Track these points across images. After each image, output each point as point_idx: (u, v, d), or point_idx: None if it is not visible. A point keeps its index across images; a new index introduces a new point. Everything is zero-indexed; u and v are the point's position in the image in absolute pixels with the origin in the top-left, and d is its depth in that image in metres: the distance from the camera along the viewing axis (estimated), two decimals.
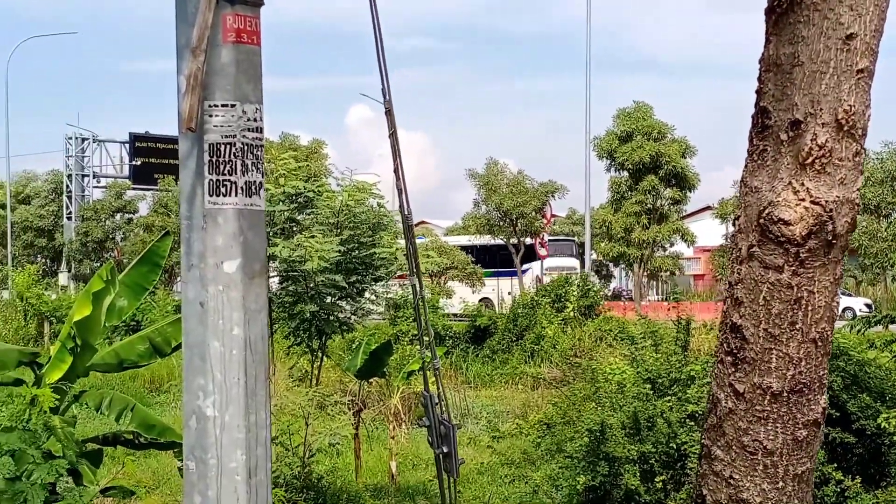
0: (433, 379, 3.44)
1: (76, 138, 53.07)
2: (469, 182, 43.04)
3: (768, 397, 3.49)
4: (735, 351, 3.57)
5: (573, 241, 48.04)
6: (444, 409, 3.48)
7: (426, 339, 3.40)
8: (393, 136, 2.99)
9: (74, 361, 6.67)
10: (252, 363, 2.41)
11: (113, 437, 7.06)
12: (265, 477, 2.42)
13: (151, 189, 50.44)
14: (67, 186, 52.00)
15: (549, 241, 43.01)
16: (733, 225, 3.70)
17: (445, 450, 3.47)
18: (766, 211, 3.40)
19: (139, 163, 52.91)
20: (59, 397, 6.13)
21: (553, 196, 42.90)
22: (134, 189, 52.01)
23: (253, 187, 2.43)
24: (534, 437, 7.78)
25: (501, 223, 42.45)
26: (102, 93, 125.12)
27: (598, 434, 6.68)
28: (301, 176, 12.41)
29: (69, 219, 51.39)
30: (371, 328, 18.98)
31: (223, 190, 2.38)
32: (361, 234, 11.49)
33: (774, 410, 3.49)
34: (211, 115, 2.38)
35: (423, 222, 40.90)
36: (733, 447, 3.57)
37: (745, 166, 3.55)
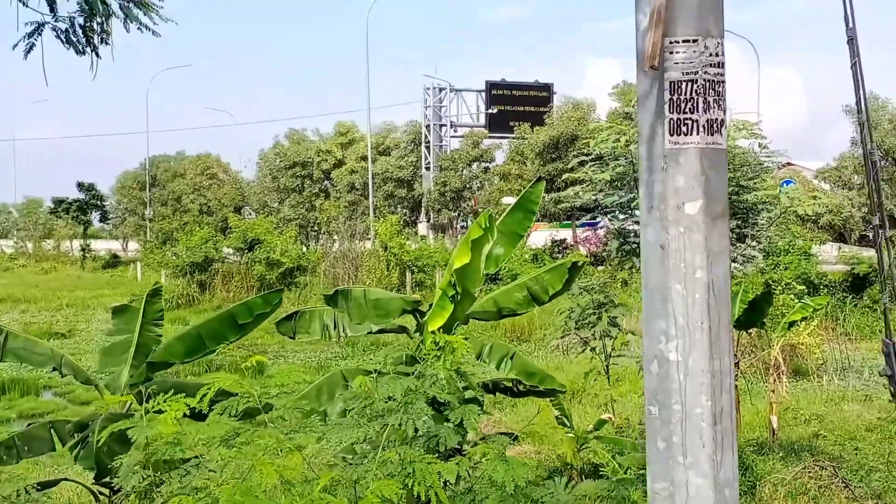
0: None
1: (433, 89, 55.73)
2: (845, 119, 39.98)
3: None
4: None
5: None
6: None
7: (889, 284, 3.20)
8: (855, 66, 2.82)
9: (455, 309, 7.03)
10: (715, 307, 2.41)
11: (493, 384, 7.36)
12: (730, 423, 2.42)
13: (507, 137, 51.96)
14: (426, 136, 54.76)
15: None
16: None
17: None
18: None
19: (495, 111, 54.72)
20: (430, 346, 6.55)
21: None
22: (490, 137, 53.84)
23: (714, 125, 2.40)
24: None
25: (883, 162, 39.01)
26: (459, 42, 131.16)
27: None
28: None
29: (427, 169, 54.14)
30: (738, 277, 18.40)
31: (684, 129, 2.37)
32: (741, 177, 11.07)
33: None
34: (671, 52, 2.38)
35: (789, 164, 38.68)
36: None
37: None
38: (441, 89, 56.39)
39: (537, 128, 47.58)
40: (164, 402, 4.28)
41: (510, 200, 35.82)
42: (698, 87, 2.35)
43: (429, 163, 54.31)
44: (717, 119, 2.40)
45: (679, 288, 2.38)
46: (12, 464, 6.76)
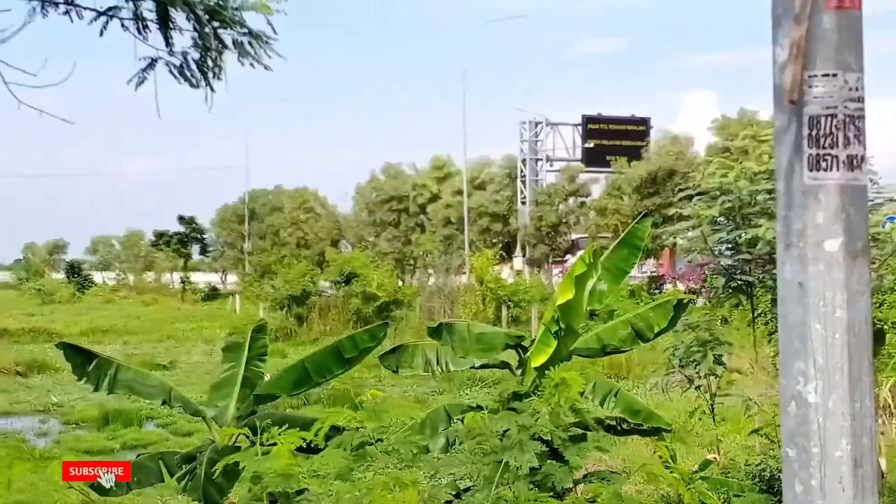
0: None
1: (529, 123, 55.88)
2: None
3: None
4: None
5: None
6: None
7: None
8: None
9: (558, 345, 6.99)
10: (856, 347, 2.34)
11: (596, 421, 7.26)
12: (870, 469, 2.34)
13: (604, 171, 51.68)
14: (521, 171, 54.85)
15: None
16: None
17: None
18: None
19: (591, 145, 54.59)
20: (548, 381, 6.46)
21: None
22: (586, 172, 53.64)
23: (855, 161, 2.35)
24: None
25: None
26: (553, 76, 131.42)
27: None
28: None
29: (523, 203, 54.15)
30: None
31: (824, 165, 2.33)
32: None
33: None
34: (810, 86, 2.34)
35: (892, 199, 37.25)
36: None
37: None
38: (537, 123, 56.53)
39: (634, 162, 47.23)
40: (278, 434, 4.35)
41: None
42: (838, 122, 2.31)
43: (524, 197, 54.37)
44: (857, 155, 2.35)
45: (818, 327, 2.33)
46: (121, 494, 6.92)
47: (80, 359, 7.35)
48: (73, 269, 65.81)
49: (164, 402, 7.35)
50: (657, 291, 39.12)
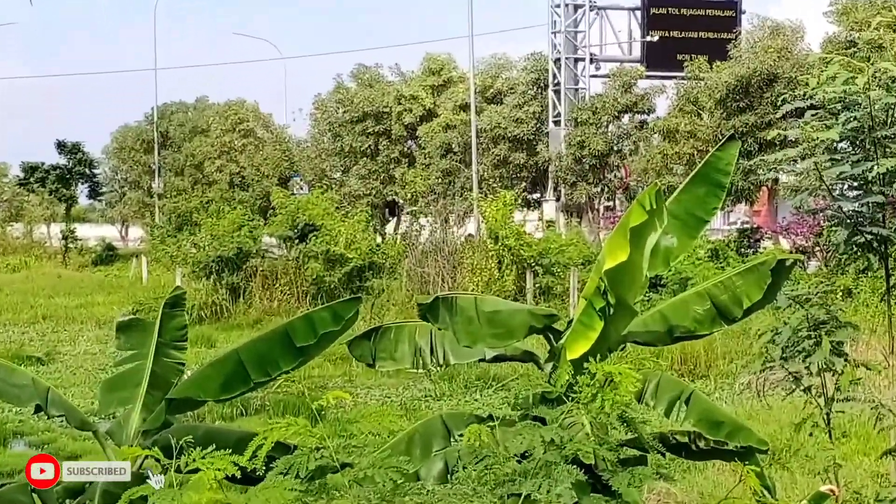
0: None
1: (567, 6, 55.46)
2: None
3: None
4: None
5: None
6: None
7: None
8: None
9: (605, 328, 7.03)
10: None
11: (660, 437, 7.30)
12: None
13: (674, 77, 51.37)
14: (554, 76, 54.54)
15: None
16: None
17: None
18: None
19: (656, 38, 54.27)
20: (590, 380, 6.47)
21: None
22: (649, 77, 53.30)
23: None
24: None
25: None
26: None
27: None
28: None
29: (557, 123, 53.92)
30: None
31: None
32: None
33: None
34: None
35: None
36: None
37: None
38: (577, 7, 56.16)
39: (718, 63, 46.98)
40: (201, 457, 4.37)
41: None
42: None
43: (559, 115, 54.10)
44: None
45: None
46: None
47: None
48: None
49: (38, 410, 7.37)
50: (751, 251, 39.14)
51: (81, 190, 67.37)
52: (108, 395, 7.81)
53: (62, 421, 7.53)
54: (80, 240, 62.50)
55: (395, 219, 59.96)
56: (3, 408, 17.00)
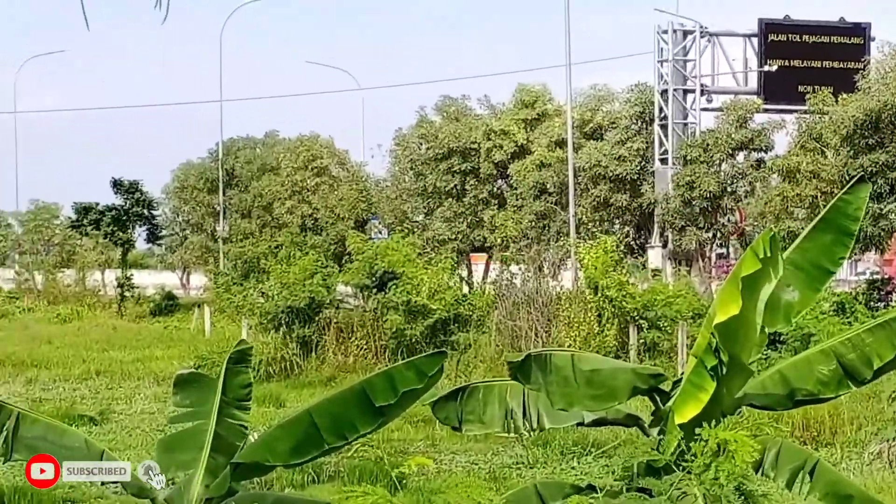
0: None
1: (674, 32, 55.35)
2: None
3: None
4: None
5: None
6: None
7: None
8: None
9: (718, 389, 6.99)
10: None
11: None
12: None
13: (794, 110, 51.00)
14: (661, 110, 54.33)
15: None
16: None
17: None
18: None
19: (775, 68, 53.93)
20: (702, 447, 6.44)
21: None
22: (766, 111, 52.94)
23: None
24: None
25: None
26: None
27: None
28: None
29: (663, 162, 53.62)
30: None
31: None
32: None
33: None
34: None
35: None
36: None
37: None
38: (687, 33, 56.01)
39: (844, 95, 46.61)
40: None
41: None
42: None
43: (665, 152, 53.79)
44: None
45: None
46: None
47: None
48: None
49: None
50: (881, 304, 38.65)
51: (139, 233, 68.00)
52: (166, 458, 7.88)
53: (117, 487, 7.60)
54: (137, 288, 63.18)
55: (484, 266, 59.86)
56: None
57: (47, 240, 72.81)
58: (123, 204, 65.19)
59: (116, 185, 65.41)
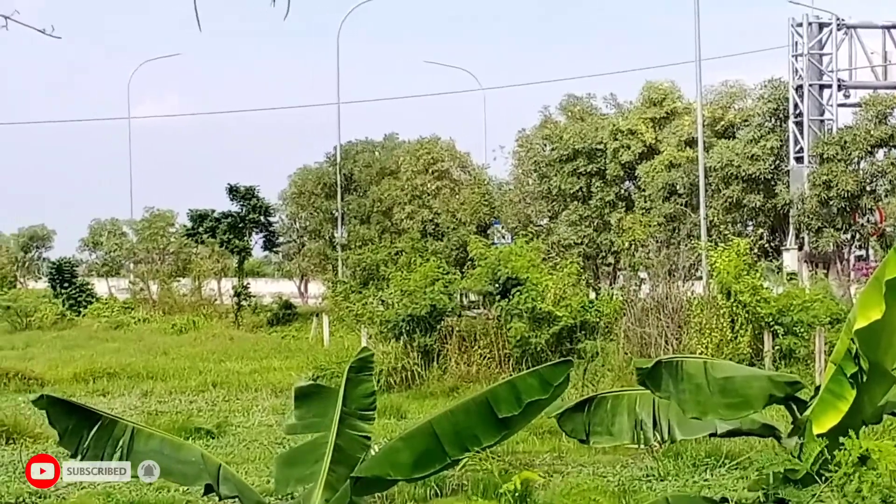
0: None
1: (810, 25, 54.76)
2: None
3: None
4: None
5: None
6: None
7: None
8: None
9: (859, 397, 6.86)
10: None
11: None
12: None
13: None
14: (796, 106, 53.77)
15: None
16: None
17: None
18: None
19: None
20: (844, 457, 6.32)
21: None
22: None
23: None
24: None
25: None
26: None
27: None
28: None
29: (799, 161, 53.09)
30: None
31: None
32: None
33: None
34: None
35: None
36: None
37: None
38: (823, 25, 55.39)
39: None
40: None
41: None
42: None
43: (801, 150, 53.23)
44: None
45: None
46: None
47: (73, 420, 7.57)
48: (62, 274, 67.99)
49: (208, 490, 7.53)
50: None
51: (256, 240, 68.32)
52: (285, 472, 7.93)
53: (235, 502, 7.65)
54: (254, 297, 63.78)
55: (612, 271, 59.59)
56: (168, 487, 17.22)
57: (162, 248, 73.43)
58: (239, 211, 65.67)
59: (232, 191, 65.92)
